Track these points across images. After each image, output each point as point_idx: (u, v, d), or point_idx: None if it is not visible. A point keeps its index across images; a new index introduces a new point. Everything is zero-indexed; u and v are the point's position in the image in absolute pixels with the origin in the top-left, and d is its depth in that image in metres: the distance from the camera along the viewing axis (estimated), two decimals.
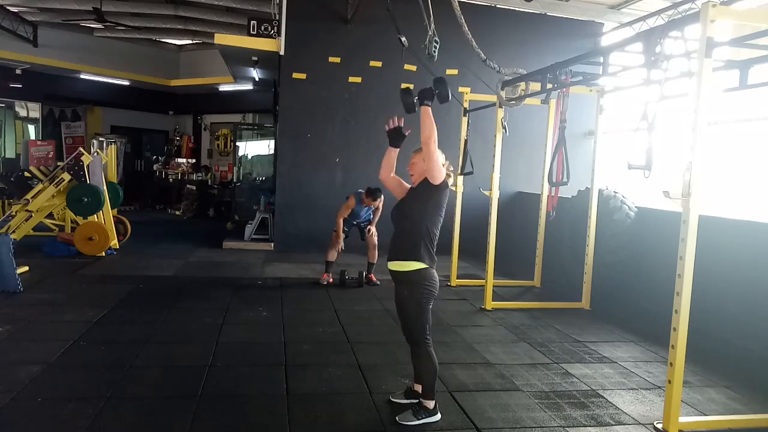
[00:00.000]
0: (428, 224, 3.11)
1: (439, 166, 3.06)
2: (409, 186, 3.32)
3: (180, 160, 14.60)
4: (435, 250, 3.14)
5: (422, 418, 3.10)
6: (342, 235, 6.44)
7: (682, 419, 3.17)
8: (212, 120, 16.21)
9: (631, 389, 3.75)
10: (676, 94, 3.97)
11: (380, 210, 6.48)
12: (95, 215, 7.52)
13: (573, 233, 6.76)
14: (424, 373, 3.16)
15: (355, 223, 6.59)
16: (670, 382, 3.13)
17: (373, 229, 6.51)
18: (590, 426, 3.19)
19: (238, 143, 12.98)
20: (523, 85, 5.42)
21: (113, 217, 8.27)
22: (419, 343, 3.13)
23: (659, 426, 3.19)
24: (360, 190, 6.39)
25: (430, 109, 3.03)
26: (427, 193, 3.13)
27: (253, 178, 12.03)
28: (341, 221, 6.40)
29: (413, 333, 3.15)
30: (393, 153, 3.28)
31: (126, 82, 14.47)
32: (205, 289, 6.08)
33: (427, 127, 3.01)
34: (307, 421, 3.07)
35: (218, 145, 15.36)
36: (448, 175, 3.18)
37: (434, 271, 3.13)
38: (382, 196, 6.33)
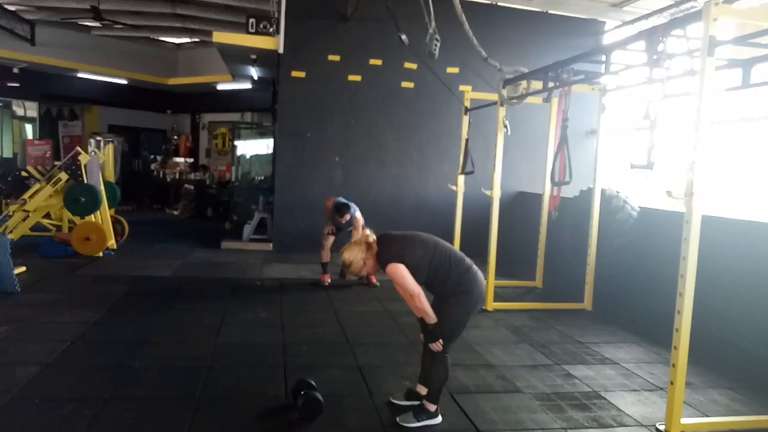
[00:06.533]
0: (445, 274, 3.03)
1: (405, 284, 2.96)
2: None
3: (178, 159, 14.58)
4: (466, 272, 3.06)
5: (422, 420, 3.07)
6: (328, 247, 6.53)
7: (685, 420, 3.16)
8: (210, 119, 16.18)
9: (633, 390, 3.73)
10: (679, 92, 3.96)
11: (359, 230, 6.37)
12: (92, 215, 7.48)
13: (575, 233, 6.74)
14: (434, 377, 3.12)
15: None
16: (672, 383, 3.11)
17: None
18: (592, 428, 3.17)
19: (236, 142, 12.93)
20: (524, 83, 5.39)
21: (111, 217, 8.23)
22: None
23: (661, 427, 3.17)
24: (339, 200, 6.38)
25: None
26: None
27: (252, 178, 11.98)
28: (328, 239, 6.46)
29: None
30: None
31: (124, 81, 14.43)
32: (203, 289, 6.04)
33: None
34: (306, 423, 3.04)
35: (216, 144, 15.31)
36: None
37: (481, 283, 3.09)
38: (354, 215, 6.31)
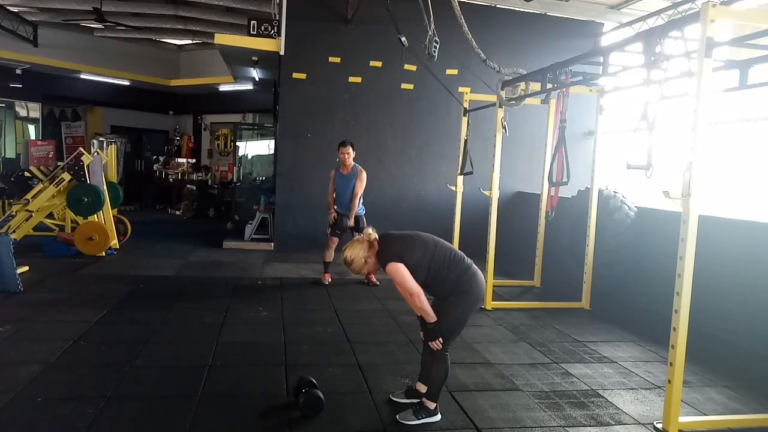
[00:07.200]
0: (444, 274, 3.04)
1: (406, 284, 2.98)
2: None
3: (180, 160, 14.61)
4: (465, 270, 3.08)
5: (422, 418, 3.10)
6: (333, 246, 6.51)
7: (682, 419, 3.17)
8: (212, 120, 16.22)
9: (631, 389, 3.76)
10: (676, 94, 3.97)
11: (363, 182, 6.38)
12: (95, 215, 7.52)
13: (573, 233, 6.77)
14: (434, 375, 3.15)
15: (343, 214, 6.53)
16: (669, 381, 3.13)
17: (351, 222, 6.40)
18: (590, 426, 3.19)
19: (238, 143, 12.98)
20: (523, 85, 5.41)
21: (113, 217, 8.26)
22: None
23: (659, 426, 3.19)
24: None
25: None
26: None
27: (253, 178, 12.02)
28: (332, 239, 6.48)
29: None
30: None
31: (126, 82, 14.47)
32: (205, 289, 6.08)
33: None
34: (306, 421, 3.07)
35: (218, 145, 15.36)
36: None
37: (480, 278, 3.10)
38: (358, 165, 6.31)
